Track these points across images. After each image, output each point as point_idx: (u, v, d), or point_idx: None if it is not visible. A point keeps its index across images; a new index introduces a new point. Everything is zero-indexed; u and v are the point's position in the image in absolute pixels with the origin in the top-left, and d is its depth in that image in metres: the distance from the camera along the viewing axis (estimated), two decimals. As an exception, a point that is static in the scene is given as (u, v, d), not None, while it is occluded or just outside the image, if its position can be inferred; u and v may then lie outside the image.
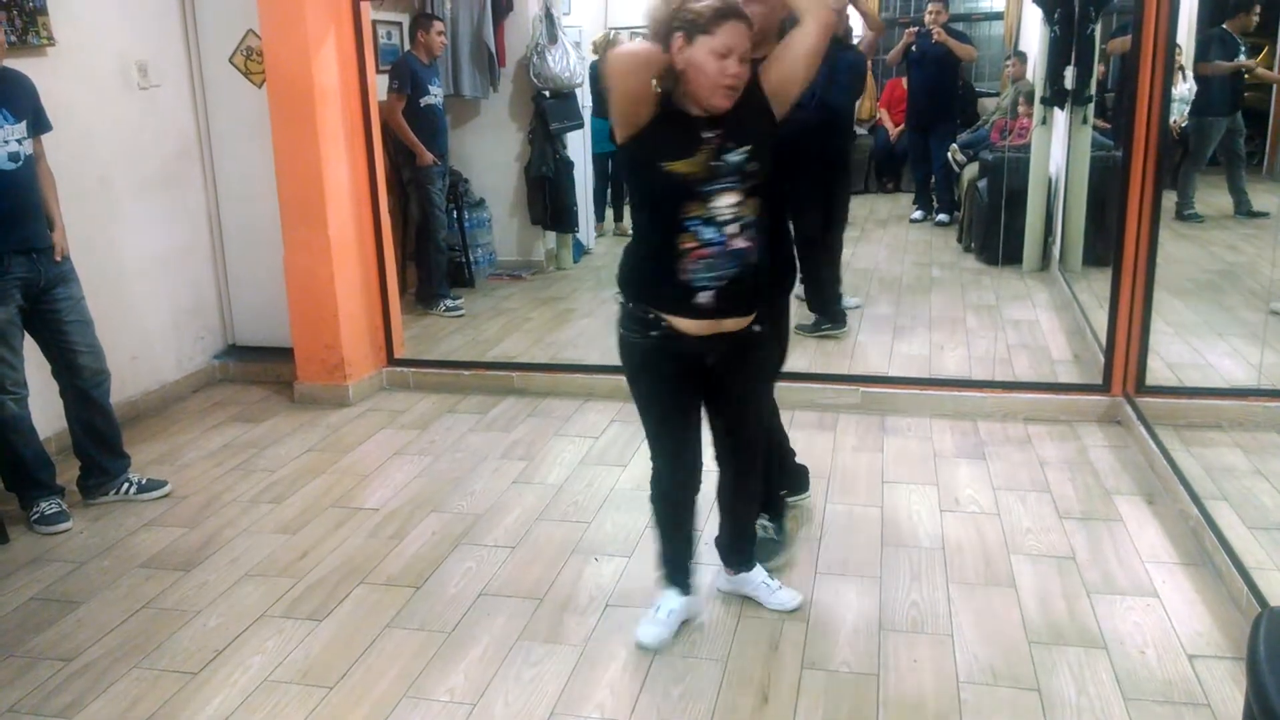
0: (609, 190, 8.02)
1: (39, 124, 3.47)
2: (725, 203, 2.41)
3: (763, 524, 3.16)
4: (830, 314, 5.33)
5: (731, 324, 2.51)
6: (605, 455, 4.00)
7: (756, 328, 2.58)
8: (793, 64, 2.45)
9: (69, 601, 3.07)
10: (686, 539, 2.84)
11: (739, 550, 2.94)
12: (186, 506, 3.70)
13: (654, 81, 2.35)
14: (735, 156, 2.41)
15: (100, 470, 3.72)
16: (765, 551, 3.09)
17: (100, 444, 3.71)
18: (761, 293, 2.57)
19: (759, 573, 2.95)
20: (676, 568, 2.83)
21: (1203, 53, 5.59)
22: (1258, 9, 5.18)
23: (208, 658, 2.76)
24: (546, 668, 2.67)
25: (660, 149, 2.39)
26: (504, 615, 2.92)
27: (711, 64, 2.32)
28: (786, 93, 2.49)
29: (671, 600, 2.82)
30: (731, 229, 2.42)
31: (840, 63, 5.34)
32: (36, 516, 3.53)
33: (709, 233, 2.41)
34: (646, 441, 2.73)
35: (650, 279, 2.52)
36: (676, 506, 2.79)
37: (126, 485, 3.75)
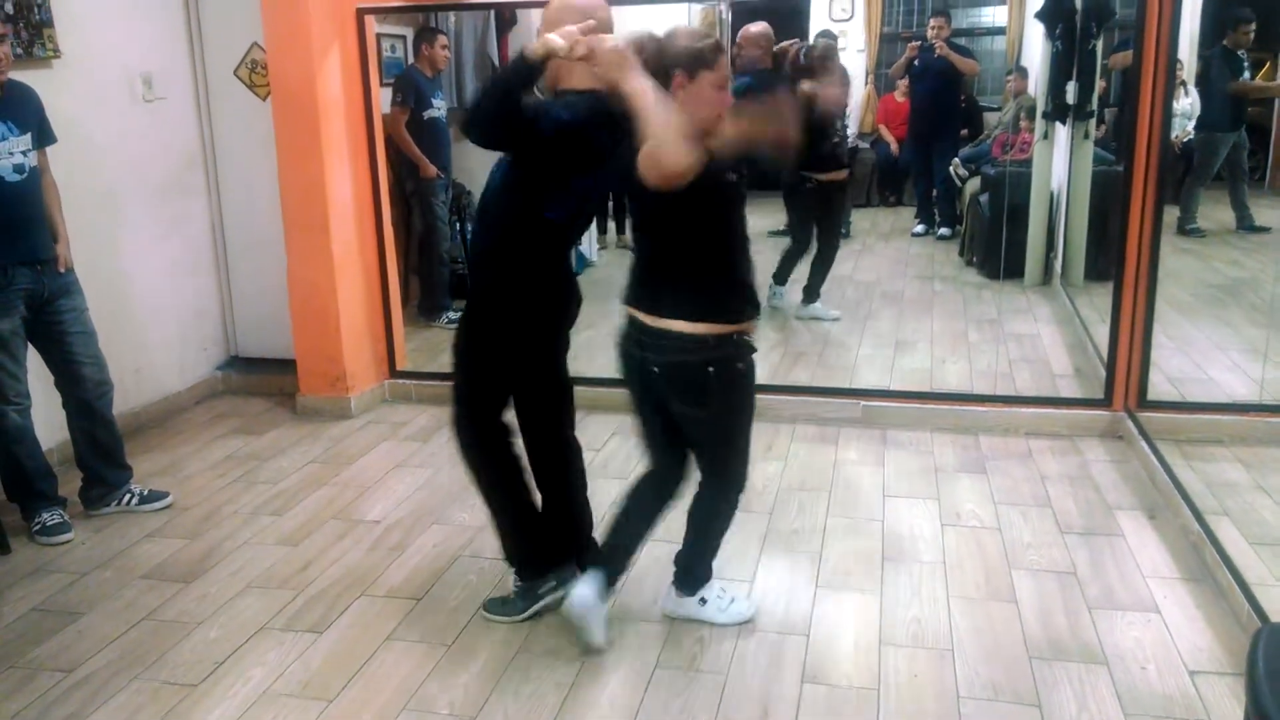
0: (610, 203, 8.03)
1: (44, 136, 3.49)
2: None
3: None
4: None
5: None
6: (607, 468, 4.00)
7: None
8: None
9: (70, 612, 3.07)
10: None
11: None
12: (188, 518, 3.71)
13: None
14: (734, 171, 2.56)
15: (102, 481, 3.73)
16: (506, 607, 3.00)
17: (102, 455, 3.72)
18: None
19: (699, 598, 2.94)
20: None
21: (1206, 71, 5.61)
22: (1251, 26, 5.21)
23: (208, 669, 2.76)
24: (546, 681, 2.67)
25: (721, 167, 2.47)
26: (504, 628, 2.91)
27: (714, 95, 2.48)
28: None
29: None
30: None
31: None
32: (38, 527, 3.54)
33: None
34: (739, 465, 2.76)
35: (738, 294, 2.60)
36: None
37: (128, 496, 3.75)
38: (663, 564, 3.23)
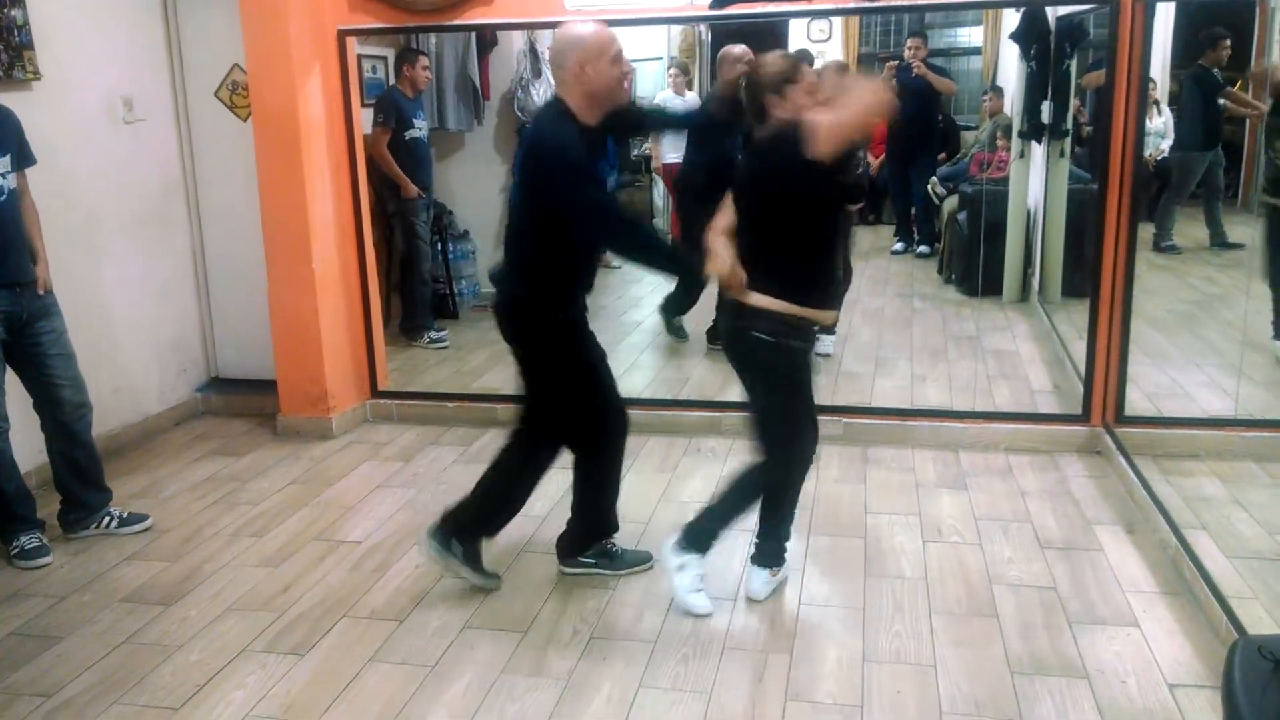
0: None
1: (23, 158, 3.48)
2: None
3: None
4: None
5: None
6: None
7: None
8: None
9: (49, 637, 3.04)
10: None
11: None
12: (168, 540, 3.69)
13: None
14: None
15: (81, 504, 3.70)
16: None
17: (81, 478, 3.69)
18: None
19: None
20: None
21: (1182, 90, 5.68)
22: (1227, 44, 5.28)
23: (189, 693, 2.74)
24: (530, 702, 2.66)
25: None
26: (487, 649, 2.91)
27: (807, 100, 2.86)
28: None
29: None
30: None
31: None
32: (16, 551, 3.51)
33: None
34: (783, 438, 3.02)
35: (818, 283, 2.92)
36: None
37: (107, 519, 3.73)
38: (658, 585, 3.25)
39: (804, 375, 3.01)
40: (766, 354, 2.90)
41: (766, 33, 5.66)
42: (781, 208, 2.83)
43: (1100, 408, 4.22)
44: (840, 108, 2.74)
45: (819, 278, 2.93)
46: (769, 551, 3.16)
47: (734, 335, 2.99)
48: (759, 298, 2.84)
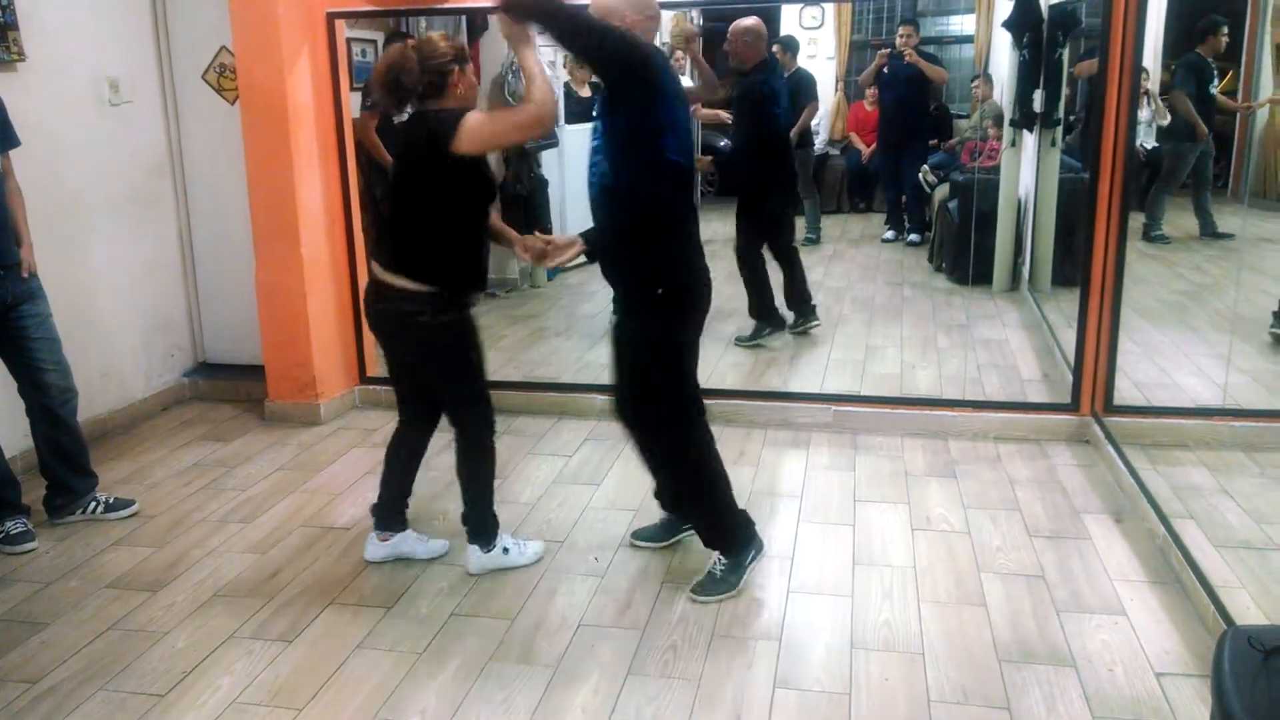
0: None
1: (7, 140, 3.44)
2: None
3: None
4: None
5: None
6: (579, 474, 4.00)
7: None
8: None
9: (34, 622, 3.03)
10: None
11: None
12: (154, 526, 3.67)
13: None
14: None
15: (67, 489, 3.68)
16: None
17: (67, 463, 3.67)
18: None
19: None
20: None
21: (1177, 79, 5.68)
22: (1226, 31, 5.27)
23: (176, 679, 2.73)
24: (518, 688, 2.66)
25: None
26: (476, 636, 2.90)
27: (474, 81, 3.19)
28: None
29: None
30: None
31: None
32: (2, 536, 3.48)
33: None
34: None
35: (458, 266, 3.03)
36: None
37: (94, 504, 3.71)
38: (647, 573, 3.24)
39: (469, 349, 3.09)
40: (418, 331, 2.98)
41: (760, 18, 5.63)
42: (421, 195, 2.93)
43: (1089, 397, 4.23)
44: (496, 116, 2.94)
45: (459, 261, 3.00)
46: (489, 528, 3.26)
47: (380, 317, 3.08)
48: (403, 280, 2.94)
